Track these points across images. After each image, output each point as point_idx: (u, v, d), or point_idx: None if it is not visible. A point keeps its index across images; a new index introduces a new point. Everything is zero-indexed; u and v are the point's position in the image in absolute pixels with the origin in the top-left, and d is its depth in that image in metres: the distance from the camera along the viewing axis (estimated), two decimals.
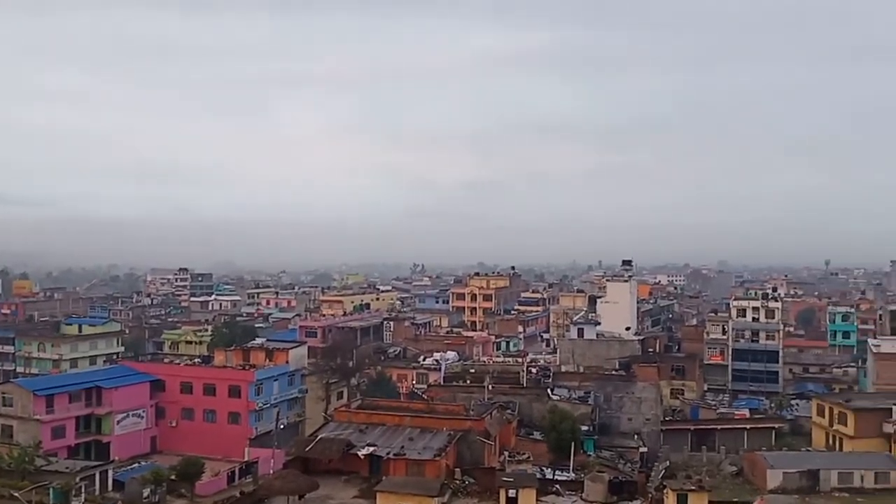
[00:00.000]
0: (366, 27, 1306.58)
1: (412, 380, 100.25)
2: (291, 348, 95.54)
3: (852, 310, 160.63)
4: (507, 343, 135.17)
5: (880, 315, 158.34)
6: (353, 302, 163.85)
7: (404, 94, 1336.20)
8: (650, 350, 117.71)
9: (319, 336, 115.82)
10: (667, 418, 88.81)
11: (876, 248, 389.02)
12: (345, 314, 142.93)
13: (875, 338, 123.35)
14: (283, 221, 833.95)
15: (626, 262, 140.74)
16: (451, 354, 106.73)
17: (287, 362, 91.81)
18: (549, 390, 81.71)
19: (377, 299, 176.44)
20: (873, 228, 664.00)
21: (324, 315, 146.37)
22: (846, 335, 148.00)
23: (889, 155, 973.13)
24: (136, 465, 73.84)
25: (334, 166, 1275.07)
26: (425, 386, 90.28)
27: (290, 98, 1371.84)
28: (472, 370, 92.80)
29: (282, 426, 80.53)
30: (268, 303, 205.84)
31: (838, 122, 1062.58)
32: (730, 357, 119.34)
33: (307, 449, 59.58)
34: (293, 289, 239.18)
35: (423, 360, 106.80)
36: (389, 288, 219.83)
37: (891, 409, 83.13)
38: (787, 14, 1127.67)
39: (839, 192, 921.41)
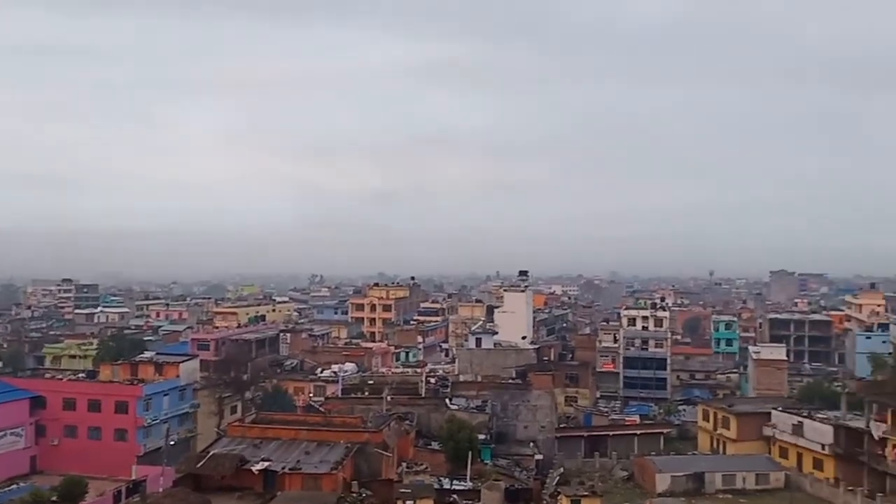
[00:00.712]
0: (271, 35, 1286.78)
1: (309, 392, 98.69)
2: (182, 362, 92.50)
3: (734, 318, 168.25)
4: (407, 354, 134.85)
5: (760, 323, 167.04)
6: (247, 314, 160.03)
7: (305, 102, 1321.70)
8: (545, 358, 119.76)
9: (212, 349, 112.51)
10: (561, 425, 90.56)
11: (756, 260, 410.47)
12: (239, 326, 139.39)
13: (755, 345, 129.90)
14: (175, 231, 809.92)
15: (523, 273, 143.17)
16: (349, 366, 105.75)
17: (178, 376, 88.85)
18: (447, 400, 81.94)
19: (273, 311, 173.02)
20: (753, 242, 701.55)
21: (217, 327, 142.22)
22: (729, 342, 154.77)
23: (766, 173, 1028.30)
24: (14, 486, 69.89)
25: (231, 175, 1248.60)
26: (323, 398, 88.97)
27: (184, 105, 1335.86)
28: (371, 382, 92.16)
29: (172, 442, 77.71)
30: (158, 315, 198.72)
31: (721, 141, 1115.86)
32: (621, 364, 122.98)
33: (198, 465, 57.60)
34: (185, 300, 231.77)
35: (321, 372, 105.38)
36: (286, 299, 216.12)
37: (770, 412, 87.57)
38: (678, 37, 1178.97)
39: (722, 208, 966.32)
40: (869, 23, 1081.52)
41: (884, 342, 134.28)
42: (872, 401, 78.11)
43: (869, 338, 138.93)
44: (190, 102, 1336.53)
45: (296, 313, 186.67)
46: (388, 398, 76.33)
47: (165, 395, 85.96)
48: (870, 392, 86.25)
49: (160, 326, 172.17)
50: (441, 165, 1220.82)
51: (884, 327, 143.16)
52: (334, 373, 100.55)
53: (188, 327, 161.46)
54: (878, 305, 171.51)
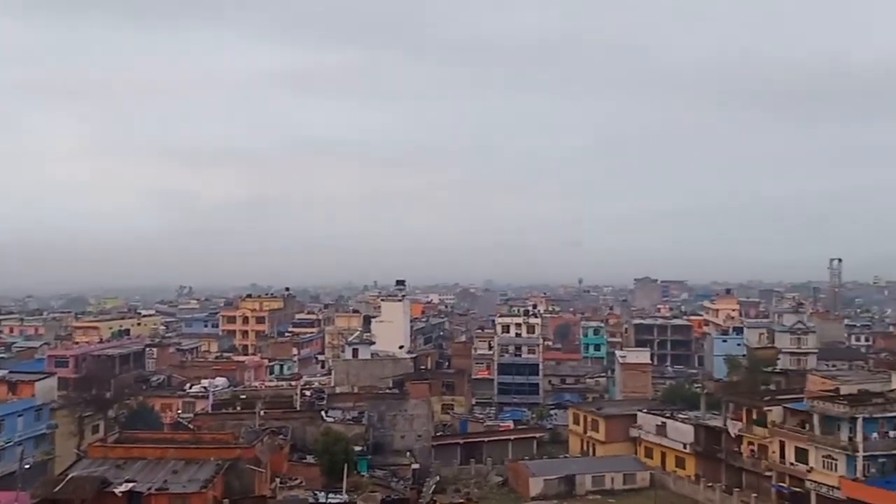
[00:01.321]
0: (142, 39, 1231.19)
1: (178, 409, 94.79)
2: (38, 380, 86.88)
3: (602, 324, 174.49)
4: (281, 366, 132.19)
5: (626, 328, 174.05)
6: (110, 328, 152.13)
7: (174, 108, 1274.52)
8: (422, 367, 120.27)
9: (72, 366, 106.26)
10: (438, 434, 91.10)
11: (621, 268, 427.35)
12: (101, 341, 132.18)
13: (622, 349, 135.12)
14: (30, 241, 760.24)
15: (400, 282, 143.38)
16: (220, 381, 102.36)
17: (33, 395, 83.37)
18: (323, 413, 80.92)
19: (139, 324, 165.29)
20: (619, 250, 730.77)
21: (77, 343, 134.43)
22: (597, 347, 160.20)
23: (631, 185, 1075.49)
24: None
25: (93, 183, 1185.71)
26: (192, 415, 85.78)
27: (42, 109, 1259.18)
28: (244, 396, 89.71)
29: (27, 466, 72.71)
30: (11, 331, 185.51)
31: (590, 152, 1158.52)
32: (496, 371, 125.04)
33: (55, 490, 54.08)
34: (41, 315, 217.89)
35: (190, 387, 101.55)
36: (153, 312, 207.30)
37: (636, 414, 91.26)
38: (555, 50, 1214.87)
39: (590, 218, 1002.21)
40: (730, 38, 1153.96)
41: (738, 345, 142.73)
42: (729, 400, 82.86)
43: (725, 341, 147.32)
44: (48, 107, 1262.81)
45: (163, 327, 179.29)
46: (262, 412, 74.58)
47: (20, 415, 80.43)
48: (726, 392, 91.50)
49: (14, 343, 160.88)
50: (317, 174, 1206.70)
51: (738, 331, 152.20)
52: (204, 388, 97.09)
53: (45, 343, 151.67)
54: (733, 310, 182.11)
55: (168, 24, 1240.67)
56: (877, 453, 66.15)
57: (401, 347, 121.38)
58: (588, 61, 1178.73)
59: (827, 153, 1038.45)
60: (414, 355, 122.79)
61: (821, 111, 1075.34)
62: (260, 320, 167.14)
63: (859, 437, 65.93)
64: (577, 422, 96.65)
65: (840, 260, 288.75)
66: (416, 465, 78.90)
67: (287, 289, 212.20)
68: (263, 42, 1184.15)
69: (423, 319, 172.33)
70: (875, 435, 66.62)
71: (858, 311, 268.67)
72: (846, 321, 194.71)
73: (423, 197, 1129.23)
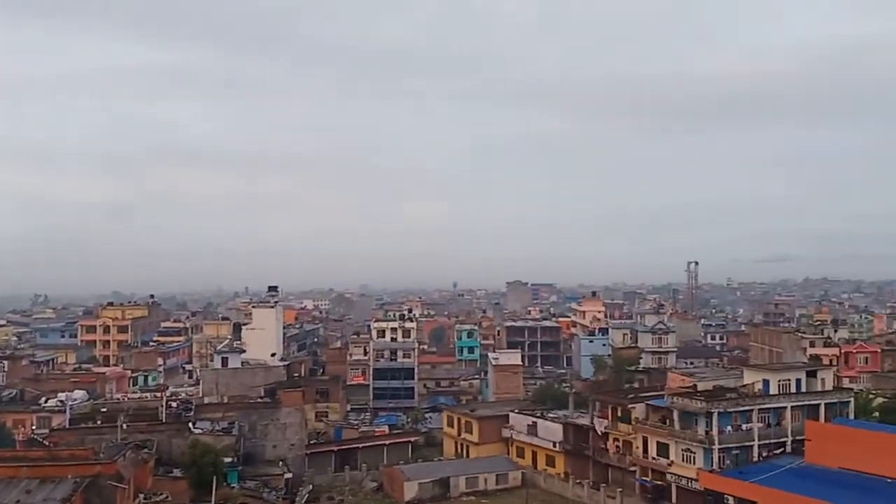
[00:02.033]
0: None
1: (32, 425, 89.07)
2: None
3: (476, 327, 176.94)
4: (146, 377, 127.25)
5: (498, 331, 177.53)
6: None
7: (24, 108, 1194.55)
8: (296, 375, 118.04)
9: None
10: (311, 441, 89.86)
11: (494, 272, 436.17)
12: None
13: (494, 351, 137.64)
14: None
15: (272, 288, 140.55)
16: (79, 394, 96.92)
17: None
18: (190, 424, 78.15)
19: None
20: (492, 254, 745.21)
21: None
22: (471, 350, 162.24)
23: (504, 191, 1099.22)
24: None
25: None
26: (48, 431, 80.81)
27: None
28: (105, 409, 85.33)
29: None
30: None
31: (464, 159, 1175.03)
32: (371, 376, 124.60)
33: None
34: None
35: (46, 401, 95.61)
36: (3, 322, 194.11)
37: (508, 415, 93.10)
38: (423, 57, 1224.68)
39: (464, 222, 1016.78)
40: (597, 49, 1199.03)
41: (604, 345, 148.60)
42: (595, 399, 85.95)
43: (591, 341, 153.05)
44: None
45: (15, 338, 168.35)
46: (124, 426, 71.19)
47: None
48: (593, 391, 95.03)
49: None
50: (185, 177, 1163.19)
51: (604, 331, 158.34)
52: (61, 402, 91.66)
53: None
54: (599, 311, 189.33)
55: (22, 20, 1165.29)
56: (731, 445, 70.29)
57: (273, 355, 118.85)
58: (455, 70, 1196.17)
59: (687, 163, 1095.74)
60: (287, 363, 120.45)
61: (683, 123, 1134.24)
62: (122, 329, 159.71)
63: (715, 431, 69.84)
64: (451, 424, 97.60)
65: (696, 263, 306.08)
66: (289, 475, 77.50)
67: (152, 296, 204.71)
68: (126, 40, 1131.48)
69: (297, 326, 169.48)
70: (729, 428, 70.76)
71: (714, 311, 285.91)
72: (703, 321, 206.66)
73: (297, 201, 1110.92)
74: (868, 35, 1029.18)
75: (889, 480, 58.12)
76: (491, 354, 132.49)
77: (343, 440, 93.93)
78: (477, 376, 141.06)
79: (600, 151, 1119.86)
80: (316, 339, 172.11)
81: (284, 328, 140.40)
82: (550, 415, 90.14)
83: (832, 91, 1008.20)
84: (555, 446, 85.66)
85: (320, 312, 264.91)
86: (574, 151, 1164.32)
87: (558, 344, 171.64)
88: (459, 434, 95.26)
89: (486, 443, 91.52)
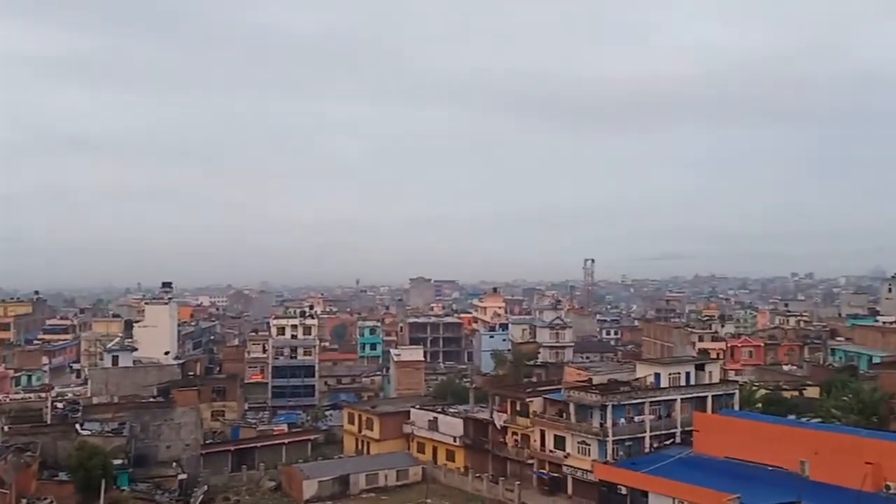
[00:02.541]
0: None
1: None
2: None
3: (378, 324, 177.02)
4: (29, 377, 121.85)
5: (401, 327, 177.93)
6: None
7: None
8: (191, 374, 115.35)
9: None
10: (207, 441, 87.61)
11: (397, 269, 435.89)
12: None
13: (396, 348, 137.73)
14: None
15: (167, 285, 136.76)
16: None
17: None
18: (77, 425, 75.02)
19: None
20: (396, 251, 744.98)
21: None
22: (373, 347, 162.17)
23: (408, 188, 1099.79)
24: None
25: None
26: None
27: None
28: None
29: None
30: None
31: (371, 154, 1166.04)
32: (270, 374, 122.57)
33: None
34: None
35: None
36: None
37: (409, 411, 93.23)
38: (332, 50, 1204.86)
39: (368, 219, 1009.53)
40: (505, 48, 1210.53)
41: (504, 340, 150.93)
42: (495, 393, 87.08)
43: (492, 336, 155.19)
44: None
45: None
46: (5, 428, 68.05)
47: None
48: (493, 386, 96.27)
49: None
50: (76, 169, 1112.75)
51: (504, 327, 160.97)
52: None
53: None
54: (499, 307, 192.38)
55: None
56: (624, 437, 72.52)
57: (167, 353, 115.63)
58: (364, 65, 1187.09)
59: (586, 164, 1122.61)
60: (182, 361, 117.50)
61: (585, 124, 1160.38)
62: (4, 327, 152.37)
63: (609, 423, 71.89)
64: (352, 421, 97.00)
65: (593, 260, 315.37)
66: (183, 476, 75.31)
67: (37, 292, 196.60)
68: (10, 27, 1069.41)
69: (193, 323, 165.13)
70: (623, 420, 73.00)
71: (609, 307, 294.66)
72: (598, 316, 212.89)
73: (195, 194, 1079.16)
74: (768, 44, 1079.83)
75: (770, 468, 61.18)
76: (393, 351, 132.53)
77: (240, 439, 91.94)
78: (379, 373, 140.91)
79: (506, 150, 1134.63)
80: (213, 337, 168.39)
81: (179, 326, 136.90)
82: (451, 410, 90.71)
83: (728, 96, 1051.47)
84: (455, 441, 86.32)
85: (217, 309, 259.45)
86: (479, 149, 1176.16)
87: (460, 339, 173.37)
88: (360, 431, 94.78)
89: (387, 439, 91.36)
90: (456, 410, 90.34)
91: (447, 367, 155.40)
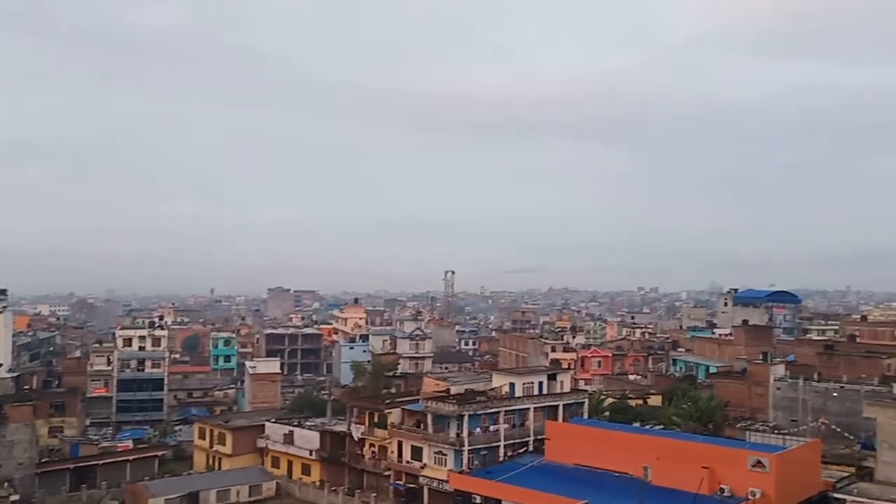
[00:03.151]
0: None
1: None
2: None
3: (233, 335, 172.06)
4: None
5: (258, 338, 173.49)
6: None
7: None
8: (27, 387, 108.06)
9: None
10: (43, 460, 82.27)
11: (255, 278, 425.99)
12: None
13: (252, 360, 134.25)
14: None
15: (1, 292, 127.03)
16: None
17: None
18: None
19: None
20: (253, 260, 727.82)
21: None
22: (227, 359, 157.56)
23: (269, 194, 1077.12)
24: None
25: None
26: None
27: None
28: None
29: None
30: None
31: (229, 159, 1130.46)
32: (115, 388, 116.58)
33: None
34: None
35: None
36: None
37: (263, 425, 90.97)
38: (192, 48, 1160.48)
39: (225, 226, 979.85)
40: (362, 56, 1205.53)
41: (364, 351, 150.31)
42: (353, 405, 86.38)
43: (352, 348, 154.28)
44: None
45: None
46: None
47: None
48: (351, 398, 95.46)
49: None
50: None
51: (364, 338, 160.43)
52: None
53: None
54: (360, 318, 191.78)
55: None
56: (480, 446, 73.64)
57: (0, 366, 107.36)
58: (228, 67, 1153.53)
59: (450, 178, 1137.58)
60: (16, 374, 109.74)
61: (451, 140, 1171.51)
62: None
63: (465, 433, 72.84)
64: (202, 436, 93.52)
65: (453, 272, 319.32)
66: (15, 497, 70.06)
67: None
68: None
69: (30, 333, 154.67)
70: (478, 430, 74.13)
71: (468, 318, 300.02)
72: (457, 327, 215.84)
73: (35, 194, 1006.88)
74: (623, 65, 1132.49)
75: (616, 474, 63.85)
76: (248, 363, 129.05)
77: (80, 457, 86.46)
78: (233, 385, 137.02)
79: (371, 161, 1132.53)
80: (52, 349, 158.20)
81: (14, 336, 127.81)
82: (308, 423, 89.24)
83: (585, 115, 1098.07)
84: (311, 454, 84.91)
85: (58, 319, 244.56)
86: (343, 159, 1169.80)
87: (319, 351, 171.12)
88: (212, 446, 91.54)
89: (240, 454, 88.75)
90: (313, 423, 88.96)
91: (305, 379, 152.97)
